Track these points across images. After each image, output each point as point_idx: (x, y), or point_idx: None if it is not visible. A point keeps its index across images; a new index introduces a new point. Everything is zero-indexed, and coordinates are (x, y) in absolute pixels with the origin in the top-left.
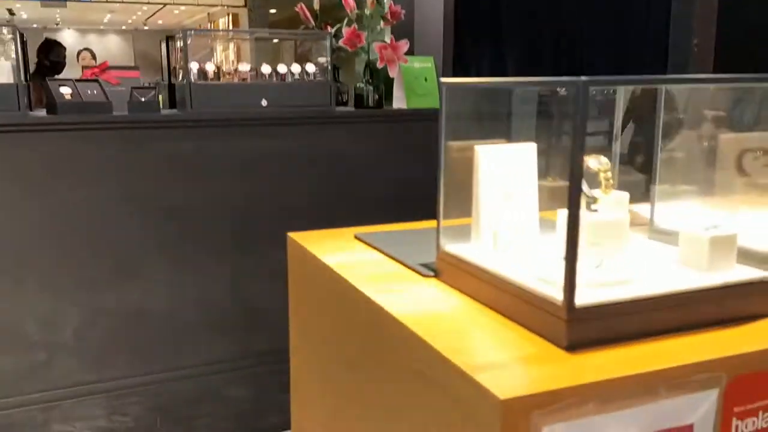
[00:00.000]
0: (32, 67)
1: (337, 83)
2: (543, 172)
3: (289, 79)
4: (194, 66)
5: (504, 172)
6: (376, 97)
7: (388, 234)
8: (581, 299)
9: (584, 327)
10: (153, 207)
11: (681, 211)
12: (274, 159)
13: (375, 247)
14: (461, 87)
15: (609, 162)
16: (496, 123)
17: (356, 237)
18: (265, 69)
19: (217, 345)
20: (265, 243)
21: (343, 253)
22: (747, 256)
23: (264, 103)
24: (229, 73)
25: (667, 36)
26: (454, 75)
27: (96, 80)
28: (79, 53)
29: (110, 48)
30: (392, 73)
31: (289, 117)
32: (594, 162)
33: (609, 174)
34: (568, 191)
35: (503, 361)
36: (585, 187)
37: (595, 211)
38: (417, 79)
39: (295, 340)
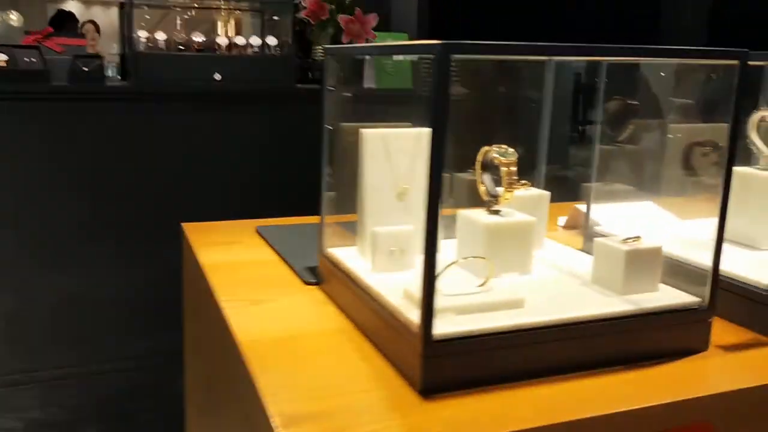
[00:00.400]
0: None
1: (307, 59)
2: (457, 162)
3: (249, 52)
4: (143, 35)
5: (397, 161)
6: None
7: (297, 228)
8: (443, 328)
9: (444, 365)
10: (90, 186)
11: (621, 213)
12: (225, 137)
13: (270, 244)
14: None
15: (515, 153)
16: (403, 102)
17: (257, 230)
18: (222, 41)
19: (159, 334)
20: None
21: (229, 250)
22: (684, 273)
23: (217, 76)
24: (181, 45)
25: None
26: None
27: (37, 47)
28: (82, 25)
29: (114, 20)
30: None
31: (242, 92)
32: (496, 153)
33: (513, 169)
34: (428, 183)
35: (332, 408)
36: (488, 181)
37: (496, 213)
38: (389, 57)
39: (186, 341)
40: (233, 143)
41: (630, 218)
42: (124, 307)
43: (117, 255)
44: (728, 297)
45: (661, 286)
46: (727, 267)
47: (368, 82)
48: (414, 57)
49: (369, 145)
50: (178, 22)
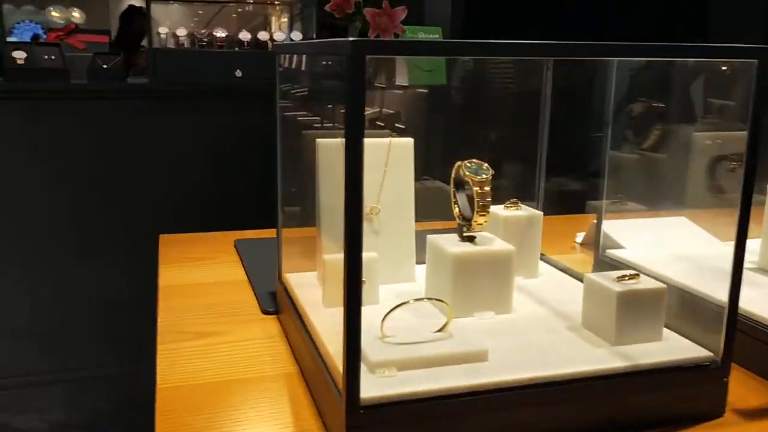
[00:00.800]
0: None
1: None
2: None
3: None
4: (163, 31)
5: (365, 175)
6: (371, 70)
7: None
8: (377, 389)
9: None
10: (105, 185)
11: (646, 230)
12: (247, 134)
13: (242, 261)
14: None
15: (489, 170)
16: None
17: (235, 244)
18: (244, 36)
19: None
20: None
21: (196, 268)
22: (702, 310)
23: (238, 73)
24: (202, 42)
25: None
26: None
27: (57, 44)
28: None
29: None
30: None
31: (263, 89)
32: (468, 169)
33: (486, 189)
34: (345, 204)
35: None
36: (461, 201)
37: (470, 239)
38: None
39: None
40: (254, 140)
41: (655, 236)
42: (151, 309)
43: (144, 255)
44: (750, 342)
45: (667, 333)
46: (750, 305)
47: (399, 79)
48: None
49: (325, 157)
50: (213, 17)
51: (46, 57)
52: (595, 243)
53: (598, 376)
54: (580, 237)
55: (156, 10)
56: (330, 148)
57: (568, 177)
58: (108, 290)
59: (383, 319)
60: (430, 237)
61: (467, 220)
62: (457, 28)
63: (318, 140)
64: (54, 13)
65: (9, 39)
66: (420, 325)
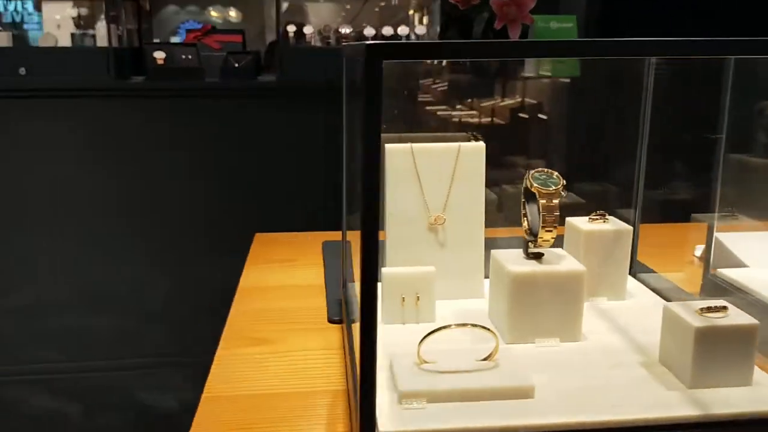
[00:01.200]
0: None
1: None
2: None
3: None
4: (291, 29)
5: (430, 182)
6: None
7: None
8: (398, 422)
9: None
10: (237, 180)
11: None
12: None
13: (324, 264)
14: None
15: (560, 180)
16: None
17: (323, 245)
18: (369, 32)
19: None
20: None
21: (277, 270)
22: None
23: None
24: (327, 37)
25: None
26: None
27: (194, 45)
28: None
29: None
30: (513, 35)
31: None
32: (535, 180)
33: (555, 202)
34: (361, 219)
35: None
36: (530, 214)
37: (537, 256)
38: None
39: None
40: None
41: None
42: None
43: None
44: None
45: (761, 377)
46: None
47: (529, 70)
48: None
49: (394, 163)
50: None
51: (183, 57)
52: (705, 260)
53: (662, 424)
54: (699, 250)
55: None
56: (397, 154)
57: (675, 183)
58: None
59: (420, 343)
60: (494, 252)
61: (534, 236)
62: (593, 16)
63: (386, 145)
64: (213, 13)
65: (173, 40)
66: (466, 351)
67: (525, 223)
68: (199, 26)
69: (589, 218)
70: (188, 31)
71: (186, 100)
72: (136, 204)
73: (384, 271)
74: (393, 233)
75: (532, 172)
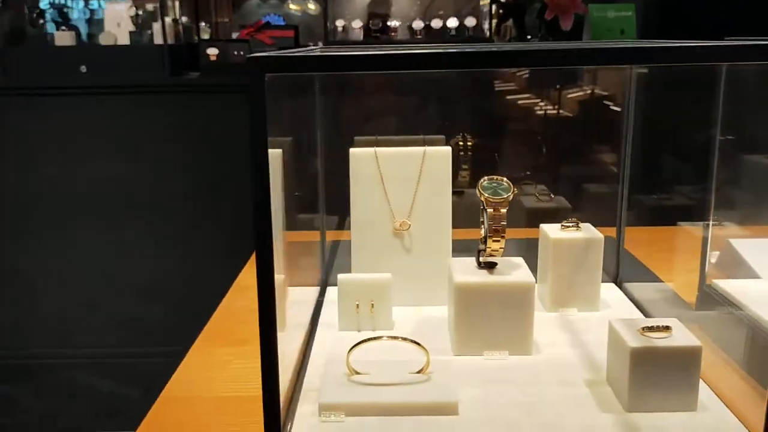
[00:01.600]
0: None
1: (510, 40)
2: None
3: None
4: (339, 24)
5: (394, 187)
6: None
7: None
8: None
9: None
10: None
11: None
12: None
13: None
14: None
15: (510, 188)
16: None
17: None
18: (417, 25)
19: None
20: None
21: None
22: None
23: None
24: (376, 31)
25: None
26: (661, 27)
27: (246, 41)
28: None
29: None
30: (565, 25)
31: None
32: (485, 188)
33: (502, 211)
34: (254, 223)
35: None
36: (486, 223)
37: (489, 266)
38: (611, 32)
39: None
40: None
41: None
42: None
43: None
44: None
45: (707, 401)
46: None
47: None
48: None
49: (357, 167)
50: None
51: (235, 53)
52: (701, 269)
53: None
54: (714, 256)
55: None
56: (361, 158)
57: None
58: None
59: (348, 353)
60: (451, 260)
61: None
62: (652, 4)
63: (351, 149)
64: (292, 6)
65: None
66: (402, 363)
67: (482, 231)
68: (281, 20)
69: (562, 225)
70: (241, 26)
71: (237, 96)
72: (195, 198)
73: (340, 277)
74: (357, 239)
75: (482, 180)
